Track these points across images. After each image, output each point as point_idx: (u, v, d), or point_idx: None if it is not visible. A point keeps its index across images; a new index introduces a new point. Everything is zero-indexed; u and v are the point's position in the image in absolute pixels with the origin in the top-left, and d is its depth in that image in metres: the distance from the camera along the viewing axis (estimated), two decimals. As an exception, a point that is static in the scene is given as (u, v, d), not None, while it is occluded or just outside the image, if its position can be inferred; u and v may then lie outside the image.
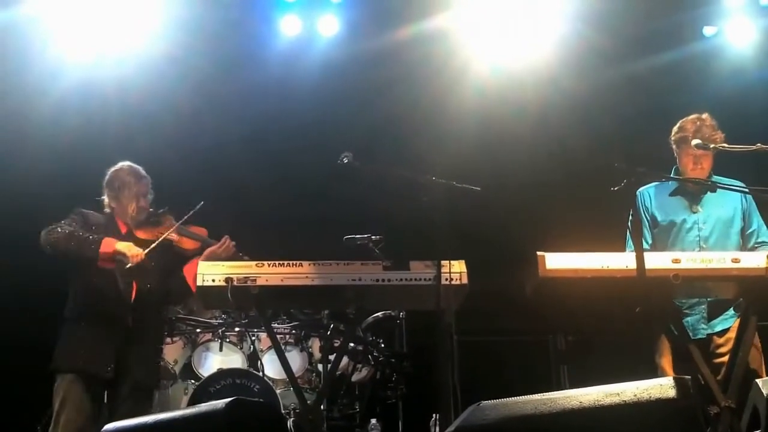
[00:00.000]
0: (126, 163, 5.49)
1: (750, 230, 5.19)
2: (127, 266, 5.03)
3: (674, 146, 5.28)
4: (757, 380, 3.50)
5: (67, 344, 5.11)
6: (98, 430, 4.84)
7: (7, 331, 7.09)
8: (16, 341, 7.02)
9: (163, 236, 5.26)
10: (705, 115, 5.21)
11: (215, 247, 5.29)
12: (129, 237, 5.29)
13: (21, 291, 7.25)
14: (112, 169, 5.46)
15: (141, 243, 5.23)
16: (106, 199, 5.42)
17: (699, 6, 8.00)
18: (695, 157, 5.16)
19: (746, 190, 5.09)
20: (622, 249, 4.97)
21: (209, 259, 5.18)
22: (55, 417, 5.02)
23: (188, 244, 5.41)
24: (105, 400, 5.16)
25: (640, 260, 4.06)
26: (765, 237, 5.17)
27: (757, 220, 5.21)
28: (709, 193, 5.23)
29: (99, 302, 5.12)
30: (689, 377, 3.01)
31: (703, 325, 5.06)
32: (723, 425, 4.13)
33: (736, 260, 4.32)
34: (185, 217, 5.38)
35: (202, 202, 5.37)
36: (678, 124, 5.28)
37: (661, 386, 2.92)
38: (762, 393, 3.38)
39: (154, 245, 5.16)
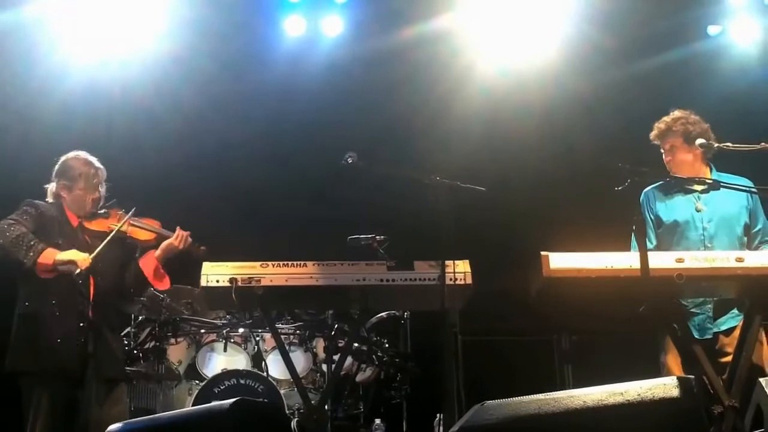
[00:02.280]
0: (80, 153, 5.32)
1: (755, 229, 5.18)
2: (77, 273, 4.87)
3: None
4: (761, 380, 3.50)
5: (27, 343, 4.93)
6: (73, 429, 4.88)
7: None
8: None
9: (114, 231, 5.12)
10: (676, 112, 5.36)
11: (171, 240, 5.21)
12: (79, 229, 5.17)
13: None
14: (65, 157, 5.29)
15: (92, 235, 5.15)
16: (53, 187, 5.24)
17: (703, 5, 8.01)
18: (665, 152, 5.30)
19: (752, 188, 5.09)
20: (627, 249, 4.96)
21: (167, 251, 5.19)
22: (30, 426, 4.86)
23: (142, 235, 5.26)
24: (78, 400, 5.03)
25: (644, 260, 4.05)
26: (769, 237, 5.18)
27: (762, 219, 5.21)
28: (714, 192, 5.23)
29: (59, 298, 4.95)
30: (693, 377, 3.01)
31: (710, 325, 5.06)
32: (726, 425, 4.11)
33: (740, 259, 4.31)
34: (133, 210, 5.24)
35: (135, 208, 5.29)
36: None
37: (665, 386, 2.93)
38: (766, 392, 3.38)
39: (102, 245, 5.01)
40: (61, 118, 7.39)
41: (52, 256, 4.89)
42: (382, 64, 7.95)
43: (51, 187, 5.27)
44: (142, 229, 5.27)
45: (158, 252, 5.21)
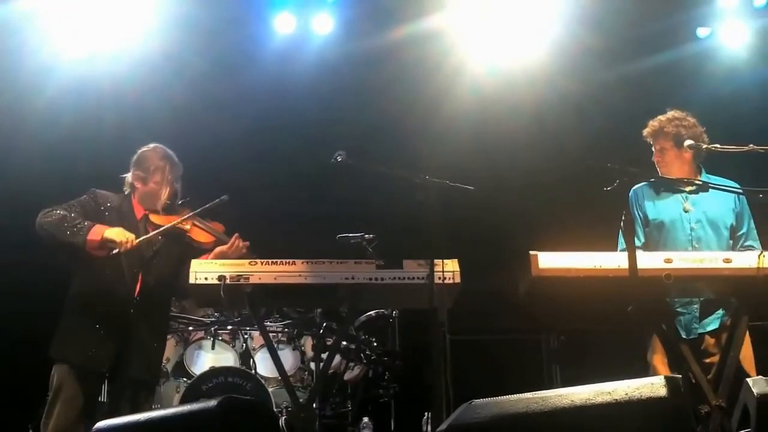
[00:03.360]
0: (159, 146, 5.26)
1: (740, 231, 5.20)
2: (115, 251, 4.80)
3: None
4: (747, 379, 3.51)
5: (65, 334, 4.93)
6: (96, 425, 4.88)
7: (3, 324, 7.08)
8: (11, 334, 7.01)
9: (171, 224, 5.03)
10: (671, 113, 5.36)
11: (225, 247, 5.06)
12: (143, 222, 5.11)
13: (14, 286, 7.22)
14: (144, 148, 5.24)
15: (155, 228, 5.06)
16: (129, 177, 5.20)
17: (693, 7, 8.03)
18: (655, 152, 5.33)
19: (740, 190, 5.11)
20: (616, 249, 4.99)
21: (218, 257, 5.00)
22: (48, 408, 4.87)
23: (200, 236, 5.15)
24: (104, 396, 5.06)
25: (632, 260, 4.07)
26: (752, 241, 5.18)
27: (747, 222, 5.22)
28: (702, 193, 5.25)
29: (101, 294, 4.93)
30: (680, 376, 3.02)
31: (696, 325, 5.08)
32: (713, 424, 4.14)
33: (727, 260, 4.33)
34: (201, 208, 5.16)
35: (225, 196, 5.17)
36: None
37: (652, 385, 2.93)
38: (752, 392, 3.39)
39: (154, 233, 4.96)
40: (51, 114, 7.37)
41: (100, 231, 4.83)
42: (373, 62, 7.95)
43: (128, 177, 5.22)
44: (201, 230, 5.17)
45: (211, 256, 5.04)
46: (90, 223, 4.88)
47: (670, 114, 5.34)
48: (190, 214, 5.13)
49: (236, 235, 5.12)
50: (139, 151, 5.25)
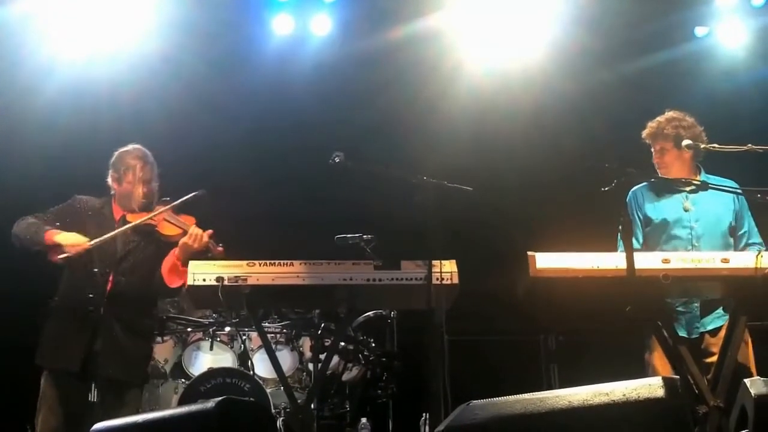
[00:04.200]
0: (134, 146, 5.30)
1: (741, 231, 5.21)
2: (64, 256, 4.86)
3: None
4: (745, 380, 3.51)
5: (43, 339, 5.00)
6: (83, 429, 4.86)
7: (4, 326, 7.08)
8: (11, 335, 7.01)
9: (138, 221, 5.04)
10: (670, 113, 5.35)
11: (185, 238, 5.01)
12: (122, 223, 5.12)
13: (15, 288, 7.20)
14: (120, 150, 5.28)
15: (132, 228, 5.08)
16: (109, 180, 5.25)
17: (690, 7, 8.04)
18: (655, 153, 5.33)
19: (739, 190, 5.11)
20: (614, 249, 4.98)
21: (183, 250, 5.00)
22: (36, 414, 4.95)
23: (168, 230, 5.12)
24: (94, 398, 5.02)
25: (630, 260, 4.07)
26: (755, 239, 5.19)
27: (748, 221, 5.23)
28: (701, 192, 5.25)
29: (71, 296, 4.97)
30: (678, 377, 3.03)
31: (697, 324, 5.09)
32: (711, 425, 4.13)
33: (725, 260, 4.33)
34: (173, 203, 5.17)
35: (201, 191, 5.18)
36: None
37: (650, 386, 2.94)
38: (750, 393, 3.39)
39: (108, 235, 4.94)
40: (48, 116, 7.37)
41: (51, 237, 4.92)
42: (371, 63, 7.95)
43: (108, 179, 5.28)
44: (169, 224, 5.14)
45: (177, 250, 5.05)
46: (47, 227, 4.97)
47: (669, 115, 5.34)
48: (162, 209, 5.14)
49: (193, 224, 5.09)
50: (115, 153, 5.29)
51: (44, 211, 5.15)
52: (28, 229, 5.00)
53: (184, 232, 5.09)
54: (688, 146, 5.11)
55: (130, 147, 5.30)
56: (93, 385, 4.87)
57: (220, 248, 5.08)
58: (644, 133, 5.38)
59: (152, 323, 5.43)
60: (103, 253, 4.98)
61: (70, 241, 4.91)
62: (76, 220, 5.10)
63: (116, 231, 5.01)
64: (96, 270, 4.93)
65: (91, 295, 4.89)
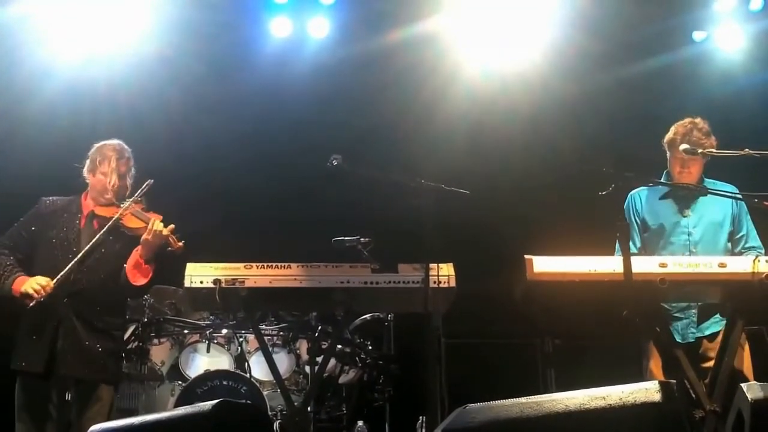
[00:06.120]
0: (115, 141, 5.27)
1: (739, 235, 5.21)
2: (33, 303, 4.82)
3: (666, 148, 5.29)
4: (742, 384, 3.51)
5: (15, 344, 4.99)
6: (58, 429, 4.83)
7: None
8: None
9: (106, 228, 4.99)
10: (698, 120, 5.23)
11: (145, 234, 4.93)
12: (90, 218, 5.11)
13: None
14: (98, 143, 5.27)
15: (100, 222, 5.05)
16: (84, 171, 5.22)
17: (688, 11, 8.03)
18: (682, 161, 5.17)
19: (737, 195, 5.11)
20: (611, 253, 4.98)
21: (144, 246, 4.94)
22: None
23: (131, 222, 5.04)
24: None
25: (627, 264, 4.08)
26: (753, 242, 5.19)
27: (746, 225, 5.23)
28: (700, 197, 5.24)
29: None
30: (674, 381, 3.03)
31: (693, 329, 5.08)
32: (708, 429, 4.14)
33: (722, 265, 4.34)
34: (132, 198, 5.12)
35: (150, 180, 5.17)
36: (672, 127, 5.29)
37: (647, 390, 2.93)
38: (746, 397, 3.38)
39: (73, 262, 4.89)
40: (46, 117, 7.36)
41: (18, 288, 4.88)
42: (369, 66, 7.95)
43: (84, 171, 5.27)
44: (134, 217, 5.08)
45: (139, 247, 4.99)
46: (15, 275, 4.94)
47: (689, 125, 5.22)
48: (129, 203, 5.10)
49: (153, 219, 5.00)
50: (95, 145, 5.28)
51: (8, 232, 5.13)
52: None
53: (146, 226, 5.03)
54: (685, 150, 5.08)
55: (108, 141, 5.28)
56: (64, 385, 4.87)
57: (180, 243, 5.00)
58: (682, 146, 5.10)
59: (120, 321, 5.30)
60: (65, 252, 4.95)
61: (35, 287, 4.83)
62: (42, 227, 5.09)
63: (72, 262, 4.91)
64: (59, 271, 4.89)
65: (53, 296, 4.87)
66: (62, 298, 4.92)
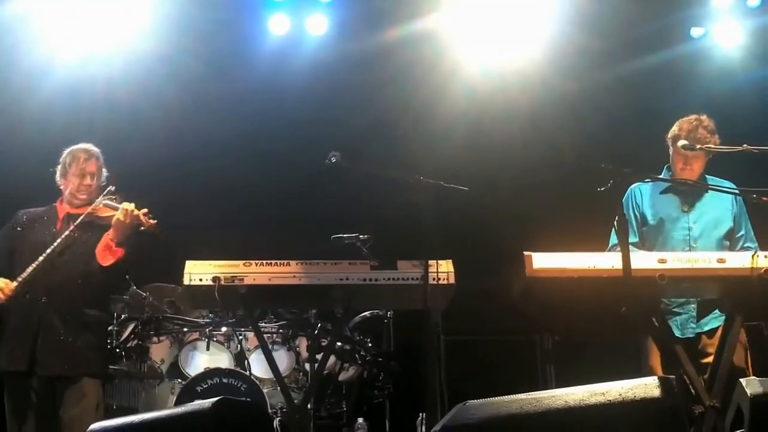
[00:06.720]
0: (82, 144, 5.32)
1: (738, 234, 5.20)
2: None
3: (669, 144, 5.28)
4: (741, 380, 3.52)
5: None
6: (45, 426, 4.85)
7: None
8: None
9: (77, 223, 5.03)
10: (704, 117, 5.20)
11: (117, 214, 4.95)
12: (65, 220, 5.13)
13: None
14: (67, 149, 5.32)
15: (76, 220, 5.07)
16: (57, 176, 5.27)
17: (687, 7, 8.04)
18: (685, 157, 5.16)
19: (737, 191, 5.10)
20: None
21: (116, 228, 4.95)
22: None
23: (106, 212, 5.10)
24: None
25: (626, 260, 4.07)
26: (750, 243, 5.18)
27: (745, 224, 5.23)
28: (701, 193, 5.24)
29: (14, 297, 4.94)
30: (674, 377, 3.03)
31: (692, 324, 5.08)
32: (707, 425, 4.14)
33: (721, 260, 4.34)
34: (105, 192, 5.17)
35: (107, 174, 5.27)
36: (677, 123, 5.28)
37: (646, 386, 2.94)
38: (746, 392, 3.39)
39: (37, 262, 4.89)
40: (44, 115, 7.35)
41: None
42: (367, 63, 7.95)
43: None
44: (106, 208, 5.12)
45: (111, 230, 5.01)
46: None
47: (696, 122, 5.17)
48: (100, 199, 5.14)
49: (125, 204, 5.03)
50: (64, 151, 5.33)
51: None
52: None
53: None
54: (683, 146, 5.07)
55: (80, 144, 5.33)
56: (48, 382, 4.90)
57: (152, 221, 5.03)
58: (681, 142, 5.10)
59: (101, 315, 5.29)
60: (35, 253, 4.94)
61: None
62: (18, 237, 5.15)
63: (37, 261, 4.91)
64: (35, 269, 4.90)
65: (30, 295, 4.91)
66: (40, 297, 4.94)
